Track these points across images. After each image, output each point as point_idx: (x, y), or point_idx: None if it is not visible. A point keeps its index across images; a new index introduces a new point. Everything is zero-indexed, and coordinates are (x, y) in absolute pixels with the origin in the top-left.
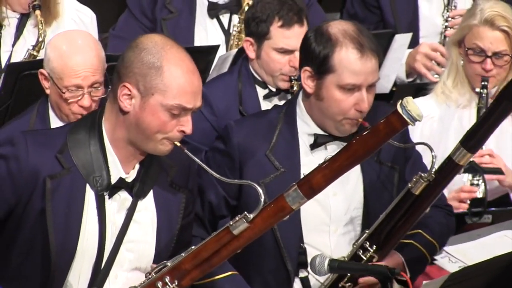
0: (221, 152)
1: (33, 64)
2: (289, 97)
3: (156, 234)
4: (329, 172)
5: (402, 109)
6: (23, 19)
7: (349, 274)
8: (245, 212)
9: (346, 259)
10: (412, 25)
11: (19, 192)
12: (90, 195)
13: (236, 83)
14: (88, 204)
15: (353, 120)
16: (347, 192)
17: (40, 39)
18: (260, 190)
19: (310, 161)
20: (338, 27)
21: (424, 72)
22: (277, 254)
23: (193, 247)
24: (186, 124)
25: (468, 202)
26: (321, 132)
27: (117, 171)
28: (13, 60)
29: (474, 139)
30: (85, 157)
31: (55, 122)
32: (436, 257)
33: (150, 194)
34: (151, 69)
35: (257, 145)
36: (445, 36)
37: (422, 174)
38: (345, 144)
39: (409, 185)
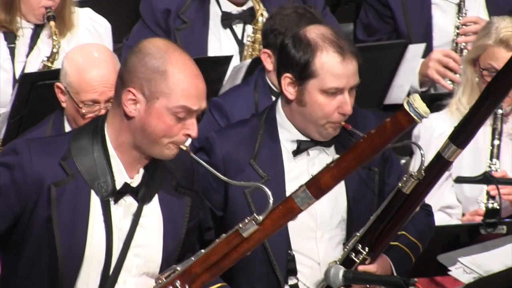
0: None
1: (47, 74)
2: None
3: (162, 238)
4: (337, 172)
5: (409, 107)
6: (38, 29)
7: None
8: (254, 214)
9: (338, 263)
10: (425, 35)
11: (24, 200)
12: (95, 201)
13: (252, 93)
14: (93, 210)
15: (336, 124)
16: (331, 197)
17: (54, 50)
18: (269, 192)
19: (293, 167)
20: (315, 31)
21: (437, 78)
22: (266, 262)
23: (202, 250)
24: (192, 128)
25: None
26: (303, 138)
27: (121, 176)
28: (27, 71)
29: (462, 134)
30: (89, 163)
31: None
32: (450, 268)
33: (156, 198)
34: (156, 73)
35: (240, 154)
36: (456, 43)
37: (412, 173)
38: (326, 148)
39: (400, 184)
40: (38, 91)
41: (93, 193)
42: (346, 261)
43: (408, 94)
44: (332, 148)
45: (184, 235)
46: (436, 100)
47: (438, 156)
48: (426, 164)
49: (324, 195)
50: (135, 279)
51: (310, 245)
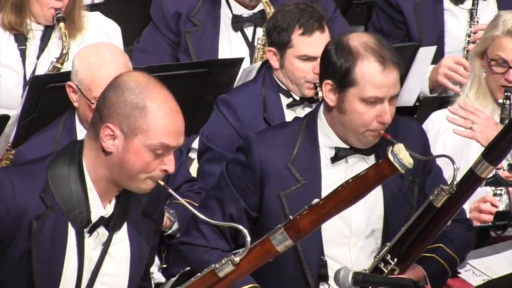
0: (242, 164)
1: (57, 77)
2: (313, 106)
3: (130, 265)
4: (316, 217)
5: (394, 157)
6: (48, 31)
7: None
8: (232, 255)
9: (367, 271)
10: (437, 41)
11: (3, 234)
12: (71, 233)
13: (260, 90)
14: (69, 242)
15: (375, 132)
16: (368, 205)
17: (64, 52)
18: (246, 232)
19: (330, 174)
20: (358, 39)
21: (445, 82)
22: (298, 266)
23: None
24: (169, 163)
25: (493, 210)
26: (342, 145)
27: (97, 208)
28: (37, 73)
29: (495, 151)
30: (66, 194)
31: (81, 135)
32: (460, 270)
33: (124, 226)
34: (135, 109)
35: (278, 157)
36: (467, 51)
37: (444, 187)
38: (365, 157)
39: (431, 197)
40: (48, 93)
41: (69, 224)
42: (375, 271)
43: (418, 99)
44: (372, 157)
45: (147, 259)
46: (446, 103)
47: (471, 172)
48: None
49: (301, 239)
50: None
51: (343, 251)
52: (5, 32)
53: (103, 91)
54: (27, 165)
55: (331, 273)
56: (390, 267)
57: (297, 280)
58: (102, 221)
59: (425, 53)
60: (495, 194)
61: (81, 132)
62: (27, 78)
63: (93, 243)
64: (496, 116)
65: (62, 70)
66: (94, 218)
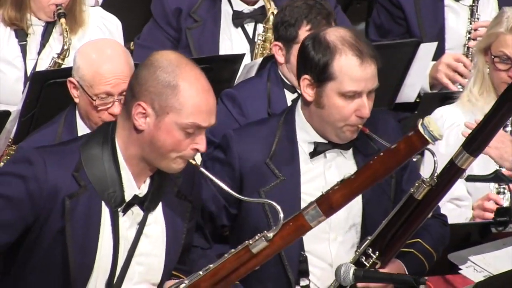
0: (221, 161)
1: (58, 73)
2: None
3: (165, 246)
4: (348, 191)
5: (424, 129)
6: (49, 27)
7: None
8: (265, 231)
9: None
10: (438, 37)
11: (38, 212)
12: (105, 212)
13: (265, 86)
14: (104, 221)
15: (353, 127)
16: None
17: (65, 47)
18: (279, 208)
19: (309, 169)
20: (335, 34)
21: (445, 82)
22: (278, 262)
23: (211, 265)
24: (200, 142)
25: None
26: (321, 140)
27: (131, 187)
28: (38, 68)
29: (476, 142)
30: (99, 174)
31: (82, 132)
32: (461, 267)
33: (159, 206)
34: (167, 88)
35: (256, 153)
36: (468, 48)
37: (425, 179)
38: (344, 151)
39: (412, 190)
40: (49, 89)
41: (103, 203)
42: (357, 265)
43: (419, 95)
44: (350, 152)
45: (184, 240)
46: (447, 99)
47: (451, 163)
48: (438, 170)
49: (335, 213)
50: (136, 286)
51: (323, 246)
52: (6, 28)
53: (135, 69)
54: (60, 145)
55: (311, 269)
56: (371, 260)
57: (277, 276)
58: (136, 200)
59: (426, 49)
60: (498, 192)
61: (81, 128)
62: (28, 73)
63: (128, 222)
64: None
65: (63, 66)
66: (128, 197)
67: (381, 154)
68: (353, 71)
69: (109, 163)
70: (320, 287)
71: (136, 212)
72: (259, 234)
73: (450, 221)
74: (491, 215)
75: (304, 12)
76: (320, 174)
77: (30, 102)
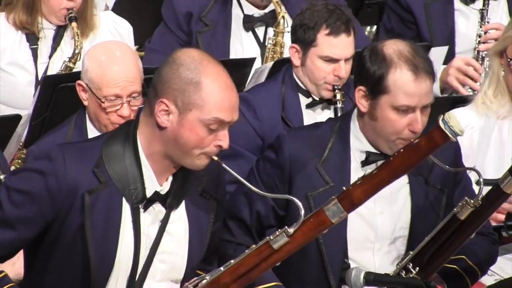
0: (272, 162)
1: (69, 77)
2: (332, 107)
3: (188, 245)
4: (369, 187)
5: (445, 125)
6: (60, 31)
7: None
8: (286, 227)
9: None
10: (448, 41)
11: (58, 208)
12: (126, 208)
13: (280, 89)
14: (124, 218)
15: (406, 140)
16: (394, 212)
17: (77, 51)
18: (300, 204)
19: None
20: (393, 47)
21: (456, 85)
22: (321, 267)
23: (232, 261)
24: (224, 139)
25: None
26: (373, 150)
27: (152, 184)
28: (49, 72)
29: None
30: (120, 170)
31: (92, 134)
32: None
33: (182, 205)
34: (190, 84)
35: (308, 157)
36: (478, 51)
37: (469, 200)
38: None
39: (455, 210)
40: (60, 93)
41: (124, 200)
42: None
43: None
44: None
45: (209, 240)
46: (458, 103)
47: (496, 187)
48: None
49: (355, 209)
50: (159, 284)
51: (367, 256)
52: (17, 32)
53: (158, 68)
54: (82, 142)
55: None
56: (411, 275)
57: (319, 281)
58: (158, 197)
59: (437, 53)
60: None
61: (91, 131)
62: (39, 77)
63: (149, 219)
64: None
65: (74, 70)
66: (149, 193)
67: (402, 150)
68: (407, 86)
69: (131, 159)
70: None
71: (158, 209)
72: (279, 230)
73: None
74: (502, 217)
75: (324, 16)
76: None
77: (41, 106)
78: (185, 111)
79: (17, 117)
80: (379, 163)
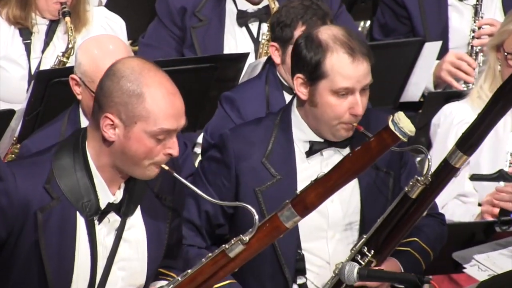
0: (217, 161)
1: (63, 72)
2: None
3: (147, 249)
4: (322, 190)
5: (394, 126)
6: (53, 25)
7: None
8: (241, 235)
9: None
10: (442, 36)
11: (10, 226)
12: (80, 222)
13: (263, 88)
14: (79, 231)
15: (348, 125)
16: (344, 198)
17: (70, 46)
18: (254, 211)
19: (306, 167)
20: (327, 32)
21: (449, 79)
22: (275, 260)
23: (189, 271)
24: (172, 147)
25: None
26: (317, 139)
27: (105, 195)
28: (42, 67)
29: (470, 141)
30: (72, 184)
31: None
32: (465, 266)
33: (138, 210)
34: (132, 97)
35: (253, 152)
36: (472, 47)
37: (419, 178)
38: (340, 149)
39: (406, 189)
40: (53, 88)
41: (78, 213)
42: None
43: (423, 94)
44: (347, 149)
45: (167, 240)
46: (451, 98)
47: (445, 162)
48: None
49: (309, 213)
50: None
51: (321, 244)
52: (10, 26)
53: (100, 80)
54: (32, 157)
55: (308, 267)
56: (367, 259)
57: (274, 275)
58: (112, 207)
59: (431, 48)
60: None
61: (85, 125)
62: (32, 72)
63: (105, 230)
64: (508, 114)
65: (68, 65)
66: (102, 205)
67: (354, 152)
68: (344, 68)
69: (81, 172)
70: (317, 285)
71: (113, 219)
72: (235, 238)
73: (457, 218)
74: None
75: (300, 12)
76: (316, 172)
77: (35, 100)
78: (131, 124)
79: (11, 112)
80: (324, 152)
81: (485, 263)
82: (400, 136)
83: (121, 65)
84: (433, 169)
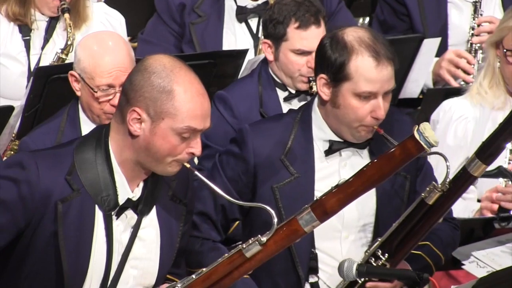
0: (236, 156)
1: (62, 68)
2: (309, 98)
3: (159, 250)
4: (343, 196)
5: (420, 135)
6: (52, 22)
7: (360, 281)
8: (259, 235)
9: None
10: (441, 33)
11: (30, 216)
12: (99, 216)
13: (256, 85)
14: (97, 225)
15: (368, 127)
16: (360, 199)
17: (69, 42)
18: (273, 212)
19: (324, 166)
20: (353, 34)
21: (448, 78)
22: (288, 258)
23: (204, 269)
24: (196, 146)
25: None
26: (336, 139)
27: (124, 191)
28: (42, 63)
29: (489, 150)
30: (92, 177)
31: (85, 125)
32: (464, 262)
33: (153, 210)
34: (162, 93)
35: (272, 149)
36: (471, 44)
37: (436, 184)
38: (359, 150)
39: (423, 194)
40: (53, 84)
41: (97, 207)
42: None
43: (422, 91)
44: (366, 151)
45: (179, 243)
46: (450, 95)
47: (464, 170)
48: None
49: (329, 218)
50: None
51: (334, 245)
52: (9, 23)
53: (129, 74)
54: (54, 149)
55: (321, 266)
56: (380, 262)
57: (287, 272)
58: (130, 203)
59: (430, 45)
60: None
61: (84, 122)
62: (32, 69)
63: (122, 226)
64: (508, 105)
65: (67, 61)
66: (121, 200)
67: (377, 159)
68: (368, 72)
69: (102, 166)
70: (329, 285)
71: (130, 215)
72: (252, 238)
73: (455, 214)
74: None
75: (293, 9)
76: (334, 172)
77: (34, 97)
78: (158, 119)
79: (10, 108)
80: (343, 152)
81: (484, 259)
82: (425, 146)
83: (153, 61)
84: (437, 168)
